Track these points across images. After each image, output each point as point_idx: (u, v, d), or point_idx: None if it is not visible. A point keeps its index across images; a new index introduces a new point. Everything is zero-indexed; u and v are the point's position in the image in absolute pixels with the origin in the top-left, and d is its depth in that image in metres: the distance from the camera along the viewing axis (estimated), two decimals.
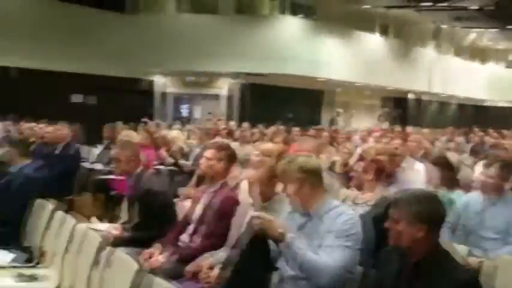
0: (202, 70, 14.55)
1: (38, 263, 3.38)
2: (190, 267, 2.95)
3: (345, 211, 2.45)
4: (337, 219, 2.38)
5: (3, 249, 3.45)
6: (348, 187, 4.13)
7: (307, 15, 16.28)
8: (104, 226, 3.78)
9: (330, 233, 2.35)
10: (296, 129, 9.63)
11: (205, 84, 16.02)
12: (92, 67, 12.89)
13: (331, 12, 16.07)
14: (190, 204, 3.57)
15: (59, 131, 6.93)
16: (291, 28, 15.41)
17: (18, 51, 11.67)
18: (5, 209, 3.79)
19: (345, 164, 5.40)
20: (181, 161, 6.95)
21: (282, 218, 2.55)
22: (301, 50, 14.73)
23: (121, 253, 2.69)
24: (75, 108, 12.60)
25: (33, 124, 8.51)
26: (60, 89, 12.56)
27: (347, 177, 4.47)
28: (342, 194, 3.84)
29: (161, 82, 15.73)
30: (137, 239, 3.38)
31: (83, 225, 3.27)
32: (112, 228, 3.61)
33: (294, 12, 15.94)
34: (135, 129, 7.56)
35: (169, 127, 10.49)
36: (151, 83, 15.44)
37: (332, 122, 17.25)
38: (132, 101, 13.77)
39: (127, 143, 4.44)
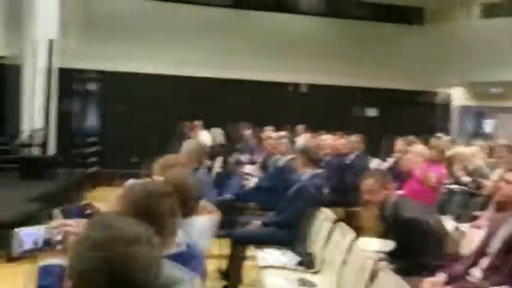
0: (498, 80, 12.93)
1: (308, 268, 3.48)
2: None
3: None
4: None
5: (278, 249, 3.70)
6: None
7: None
8: (372, 242, 3.64)
9: None
10: None
11: (499, 95, 14.21)
12: (376, 81, 13.09)
13: None
14: (474, 233, 3.09)
15: (341, 142, 7.16)
16: None
17: (307, 68, 12.79)
18: (284, 212, 4.08)
19: None
20: (479, 180, 6.18)
21: None
22: None
23: (387, 275, 2.50)
24: (357, 120, 12.96)
25: (317, 134, 9.07)
26: (344, 102, 13.17)
27: None
28: None
29: (447, 94, 14.76)
30: (397, 270, 3.06)
31: (352, 238, 3.21)
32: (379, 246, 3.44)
33: None
34: (410, 144, 7.17)
35: (453, 142, 9.64)
36: (436, 95, 14.66)
37: None
38: (414, 114, 13.34)
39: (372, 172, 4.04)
